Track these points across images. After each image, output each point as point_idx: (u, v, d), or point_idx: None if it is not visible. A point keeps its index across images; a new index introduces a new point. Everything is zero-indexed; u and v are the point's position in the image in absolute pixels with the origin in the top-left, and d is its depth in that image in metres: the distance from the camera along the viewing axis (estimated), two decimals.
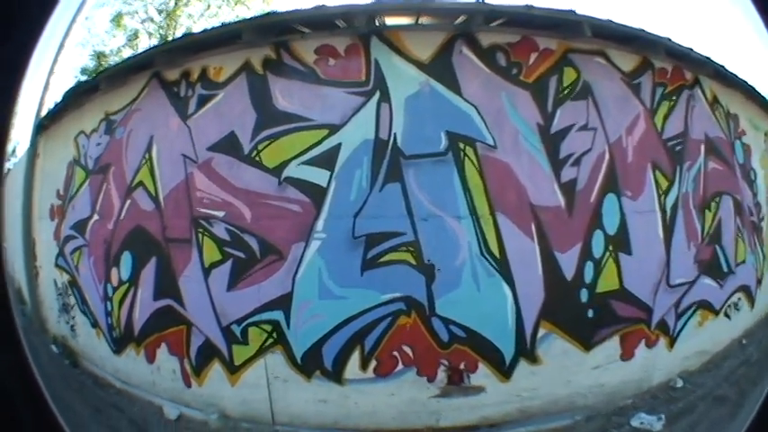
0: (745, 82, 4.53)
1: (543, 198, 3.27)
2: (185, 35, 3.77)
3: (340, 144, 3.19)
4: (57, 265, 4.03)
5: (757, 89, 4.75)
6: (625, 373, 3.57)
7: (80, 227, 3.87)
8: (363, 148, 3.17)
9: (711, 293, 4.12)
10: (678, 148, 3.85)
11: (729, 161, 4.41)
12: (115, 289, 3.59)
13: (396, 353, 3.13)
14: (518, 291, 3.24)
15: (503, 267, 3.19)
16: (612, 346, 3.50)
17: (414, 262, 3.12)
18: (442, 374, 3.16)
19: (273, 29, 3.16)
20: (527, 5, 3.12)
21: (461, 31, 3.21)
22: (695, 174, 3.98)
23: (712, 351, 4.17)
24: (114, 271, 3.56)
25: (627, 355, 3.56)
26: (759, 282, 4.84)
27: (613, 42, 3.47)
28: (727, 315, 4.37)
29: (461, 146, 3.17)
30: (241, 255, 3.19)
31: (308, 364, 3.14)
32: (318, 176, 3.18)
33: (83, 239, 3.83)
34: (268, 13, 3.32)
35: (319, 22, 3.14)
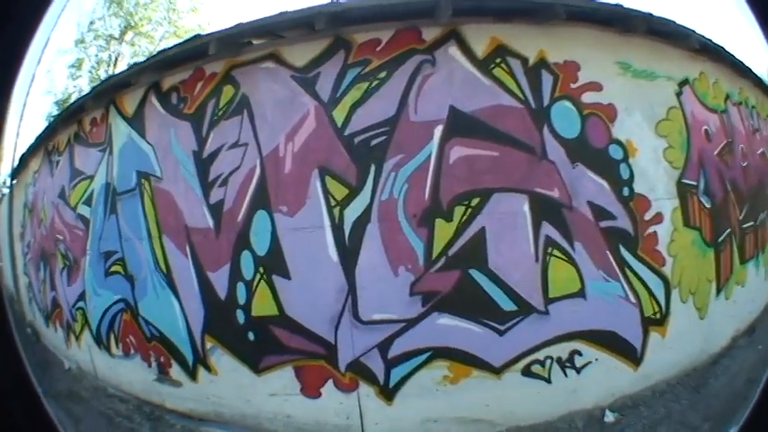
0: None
1: (195, 220, 2.74)
2: (45, 128, 4.14)
3: (93, 189, 3.46)
4: (24, 272, 5.21)
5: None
6: (319, 413, 2.50)
7: (28, 245, 5.00)
8: (101, 190, 3.38)
9: (471, 339, 2.36)
10: (376, 141, 2.23)
11: (526, 141, 2.29)
12: (40, 285, 4.66)
13: (127, 339, 3.23)
14: (184, 303, 2.83)
15: (170, 282, 2.88)
16: (288, 376, 2.59)
17: (123, 273, 3.15)
18: (153, 363, 2.80)
19: (74, 115, 3.52)
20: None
21: (152, 83, 2.77)
22: (414, 170, 2.23)
23: (497, 422, 2.42)
24: (39, 273, 4.61)
25: (310, 391, 2.49)
26: (656, 322, 2.35)
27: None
28: (541, 376, 2.37)
29: (143, 181, 2.99)
30: (69, 263, 3.63)
31: (98, 341, 3.36)
32: (87, 211, 3.54)
33: (30, 253, 4.93)
34: (69, 106, 3.62)
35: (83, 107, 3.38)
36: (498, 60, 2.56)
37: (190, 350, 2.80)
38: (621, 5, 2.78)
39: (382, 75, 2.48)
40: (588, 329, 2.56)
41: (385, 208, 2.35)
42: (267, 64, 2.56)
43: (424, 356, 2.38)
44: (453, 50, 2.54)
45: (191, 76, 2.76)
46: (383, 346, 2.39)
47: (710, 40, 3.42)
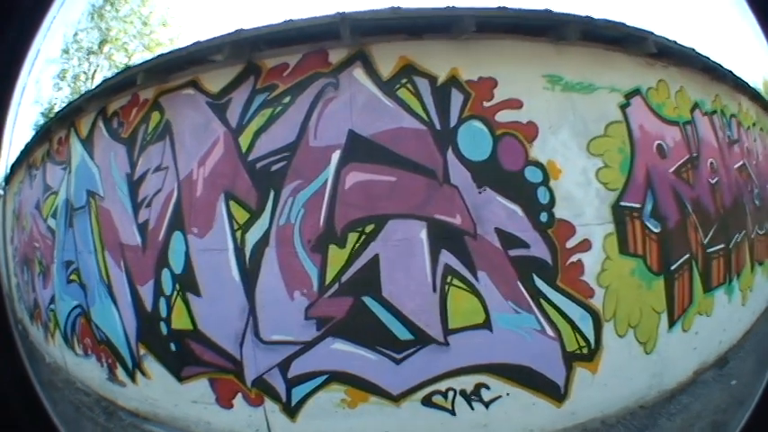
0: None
1: (128, 238, 2.86)
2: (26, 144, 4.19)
3: (57, 203, 3.61)
4: (14, 273, 5.21)
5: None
6: (233, 423, 2.59)
7: (15, 249, 5.06)
8: (63, 205, 3.52)
9: (367, 366, 2.24)
10: (276, 166, 2.17)
11: (427, 164, 2.13)
12: (25, 286, 4.78)
13: (85, 341, 3.40)
14: (121, 313, 2.94)
15: (111, 292, 3.02)
16: (205, 386, 2.64)
17: (79, 281, 3.32)
18: (105, 364, 2.96)
19: (47, 134, 3.79)
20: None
21: (100, 108, 2.94)
22: (310, 196, 2.13)
23: None
24: (23, 275, 4.75)
25: (224, 402, 2.55)
26: (583, 357, 2.09)
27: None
28: (444, 407, 2.23)
29: (91, 199, 3.17)
30: (43, 269, 4.03)
31: (66, 340, 3.63)
32: (54, 224, 3.68)
33: (17, 257, 5.05)
34: (42, 126, 3.79)
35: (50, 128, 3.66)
36: (404, 81, 2.37)
37: (129, 355, 2.92)
38: (549, 11, 2.44)
39: (286, 100, 2.41)
40: (496, 363, 2.32)
41: (282, 233, 2.30)
42: (188, 90, 2.60)
43: (322, 379, 2.30)
44: (358, 72, 2.39)
45: (128, 102, 2.87)
46: (283, 366, 2.35)
47: (675, 43, 2.92)
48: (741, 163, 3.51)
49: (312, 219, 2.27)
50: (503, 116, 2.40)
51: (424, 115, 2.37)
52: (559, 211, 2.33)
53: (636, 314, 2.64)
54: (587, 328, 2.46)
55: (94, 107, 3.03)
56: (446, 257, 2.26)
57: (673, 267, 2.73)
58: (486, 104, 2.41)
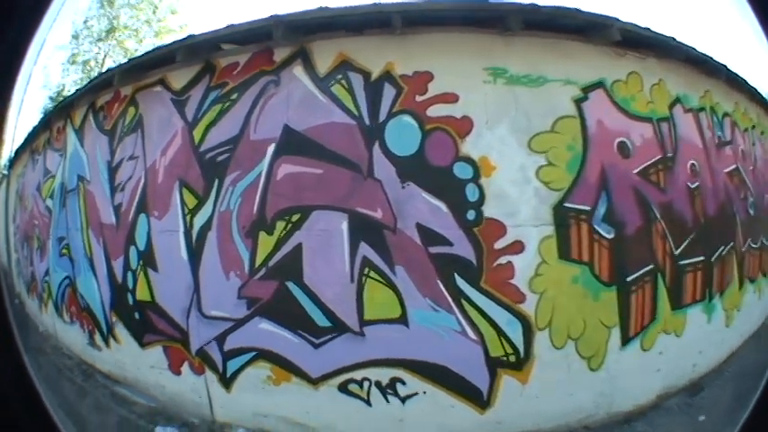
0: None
1: (106, 218, 3.22)
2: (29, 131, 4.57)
3: (54, 186, 4.05)
4: (15, 249, 5.73)
5: None
6: (181, 388, 2.80)
7: (17, 227, 5.53)
8: (58, 188, 3.96)
9: (289, 347, 2.35)
10: (221, 157, 2.33)
11: (352, 158, 2.21)
12: (23, 260, 5.19)
13: (71, 309, 3.81)
14: (99, 283, 3.29)
15: (92, 266, 3.37)
16: (159, 353, 2.94)
17: (68, 255, 3.72)
18: (86, 330, 3.44)
19: (48, 123, 4.23)
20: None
21: (90, 102, 3.42)
22: (246, 187, 2.24)
23: (319, 431, 2.38)
24: (23, 251, 5.17)
25: (174, 369, 2.86)
26: (510, 365, 2.07)
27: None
28: (359, 396, 2.28)
29: (80, 183, 3.58)
30: (40, 244, 4.45)
31: (57, 309, 4.06)
32: (51, 204, 4.15)
33: (18, 234, 5.55)
34: (43, 116, 4.25)
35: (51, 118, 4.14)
36: (339, 77, 2.40)
37: (104, 322, 3.29)
38: (487, 1, 2.29)
39: (234, 96, 2.57)
40: (411, 359, 2.27)
41: (222, 218, 2.48)
42: (157, 88, 2.88)
43: (251, 355, 2.46)
44: (298, 70, 2.47)
45: (112, 97, 3.22)
46: (220, 340, 2.54)
47: (649, 30, 2.59)
48: (733, 167, 3.03)
49: (247, 207, 2.41)
50: (435, 110, 2.33)
51: (354, 110, 2.38)
52: (489, 210, 2.21)
53: (578, 326, 2.41)
54: (515, 335, 2.31)
55: (86, 101, 3.44)
56: (365, 250, 2.26)
57: (629, 278, 2.43)
58: (418, 99, 2.36)
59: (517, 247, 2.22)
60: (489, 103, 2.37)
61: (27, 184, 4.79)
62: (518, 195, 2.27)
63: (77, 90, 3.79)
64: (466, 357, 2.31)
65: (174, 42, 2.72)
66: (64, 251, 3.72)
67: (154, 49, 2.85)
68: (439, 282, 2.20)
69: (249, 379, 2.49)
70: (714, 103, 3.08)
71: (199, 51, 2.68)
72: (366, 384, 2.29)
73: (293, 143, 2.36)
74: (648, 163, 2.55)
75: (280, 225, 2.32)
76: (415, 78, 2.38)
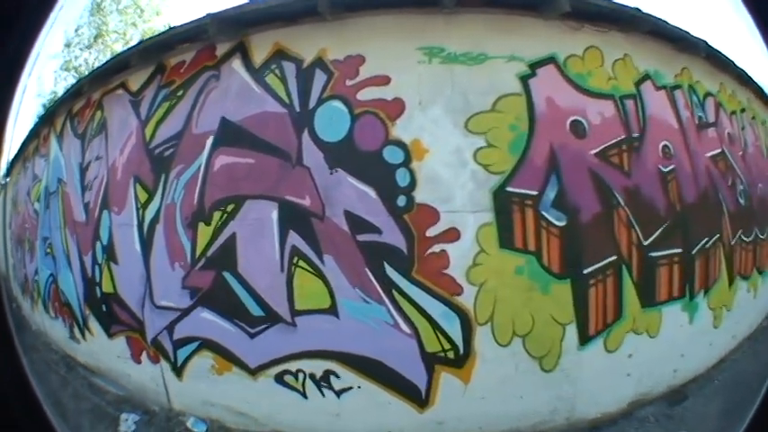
0: None
1: (78, 216, 3.37)
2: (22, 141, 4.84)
3: (40, 190, 4.19)
4: (11, 254, 5.77)
5: None
6: (142, 376, 2.87)
7: (12, 232, 5.55)
8: (43, 191, 4.05)
9: (228, 337, 2.35)
10: (168, 152, 2.41)
11: (282, 146, 2.23)
12: (18, 263, 5.30)
13: (55, 304, 3.98)
14: (75, 279, 3.43)
15: (69, 262, 3.50)
16: (123, 343, 3.02)
17: (51, 253, 3.89)
18: (67, 324, 3.58)
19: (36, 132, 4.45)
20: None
21: (68, 109, 3.63)
22: (188, 179, 2.28)
23: (261, 421, 2.35)
24: (17, 254, 5.25)
25: (136, 358, 2.98)
26: (449, 362, 2.17)
27: None
28: (295, 388, 2.24)
29: (59, 185, 3.74)
30: (30, 246, 4.59)
31: (45, 306, 4.22)
32: (38, 207, 4.31)
33: (13, 238, 5.72)
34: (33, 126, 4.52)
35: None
36: (273, 66, 2.38)
37: (80, 315, 3.45)
38: None
39: (180, 93, 2.64)
40: (344, 351, 2.17)
41: (168, 211, 2.54)
42: (119, 91, 3.02)
43: (196, 344, 2.47)
44: (237, 63, 2.48)
45: (84, 103, 3.41)
46: (170, 330, 2.58)
47: (608, 3, 2.29)
48: (718, 151, 2.65)
49: (189, 199, 2.45)
50: (366, 94, 2.23)
51: (286, 98, 2.34)
52: (421, 195, 2.07)
53: (525, 321, 2.19)
54: (453, 330, 2.13)
55: (65, 108, 3.68)
56: (293, 239, 2.20)
57: (586, 271, 2.15)
58: (349, 83, 2.27)
59: (452, 234, 2.07)
60: (423, 84, 2.24)
61: (20, 190, 5.09)
62: (453, 179, 2.11)
63: (59, 98, 4.02)
64: (400, 352, 2.17)
65: (129, 48, 2.91)
66: (48, 250, 3.96)
67: (115, 56, 3.05)
68: (368, 271, 2.09)
69: (196, 368, 2.51)
70: (694, 81, 2.74)
71: (151, 54, 2.84)
72: (301, 376, 2.22)
73: (229, 135, 2.37)
74: (609, 143, 2.27)
75: (216, 216, 2.33)
76: (346, 63, 2.32)
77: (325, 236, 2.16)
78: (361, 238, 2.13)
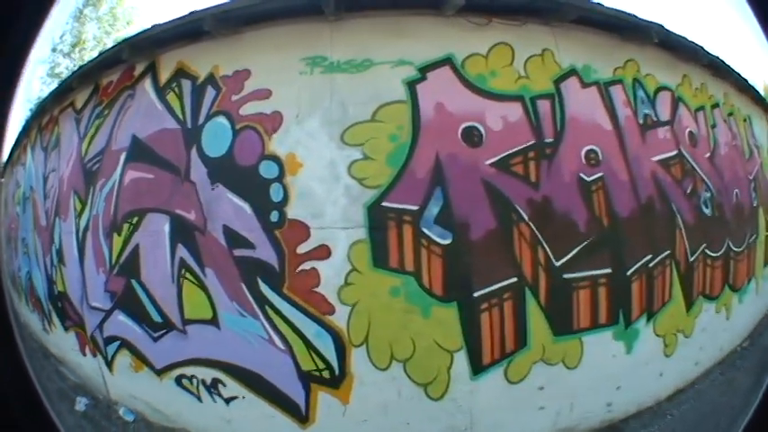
0: None
1: (42, 220, 3.63)
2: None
3: (20, 193, 4.61)
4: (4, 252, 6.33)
5: None
6: (89, 367, 3.13)
7: (4, 232, 5.79)
8: (21, 196, 4.44)
9: (139, 339, 2.51)
10: (95, 167, 2.63)
11: (174, 162, 2.36)
12: (9, 260, 5.43)
13: (31, 300, 4.28)
14: (41, 276, 3.71)
15: (37, 260, 3.90)
16: (74, 337, 3.28)
17: (27, 253, 4.32)
18: (40, 317, 4.01)
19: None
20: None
21: (39, 123, 4.02)
22: (107, 192, 2.47)
23: (172, 418, 2.49)
24: (8, 252, 5.36)
25: (82, 351, 3.30)
26: (325, 381, 2.09)
27: None
28: (192, 392, 2.39)
29: (31, 192, 4.07)
30: (16, 245, 5.07)
31: (27, 301, 4.52)
32: (18, 210, 4.69)
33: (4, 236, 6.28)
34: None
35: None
36: (174, 85, 2.44)
37: (47, 310, 3.83)
38: None
39: (106, 112, 2.82)
40: (227, 362, 2.18)
41: (94, 221, 2.75)
42: (68, 110, 3.33)
43: (117, 344, 2.68)
44: (147, 83, 2.58)
45: (48, 119, 3.77)
46: (100, 328, 2.81)
47: None
48: (672, 153, 2.22)
49: (108, 210, 2.63)
50: (248, 108, 2.20)
51: (180, 116, 2.40)
52: (293, 211, 2.02)
53: (405, 346, 2.03)
54: (326, 349, 2.05)
55: (36, 124, 4.11)
56: (181, 251, 2.26)
57: (476, 294, 1.96)
58: (234, 98, 2.25)
59: (323, 252, 1.99)
60: (303, 96, 2.15)
61: (9, 195, 5.41)
62: (325, 194, 2.01)
63: (30, 114, 4.34)
64: (277, 367, 2.14)
65: (73, 72, 3.19)
66: (25, 250, 4.41)
67: (67, 78, 3.36)
68: (243, 286, 2.09)
69: (121, 365, 2.73)
70: (642, 75, 2.33)
71: (92, 73, 3.08)
72: (195, 381, 2.32)
73: (137, 151, 2.50)
74: (511, 151, 2.02)
75: (125, 227, 2.49)
76: (233, 78, 2.30)
77: (207, 249, 2.21)
78: (237, 252, 2.14)
